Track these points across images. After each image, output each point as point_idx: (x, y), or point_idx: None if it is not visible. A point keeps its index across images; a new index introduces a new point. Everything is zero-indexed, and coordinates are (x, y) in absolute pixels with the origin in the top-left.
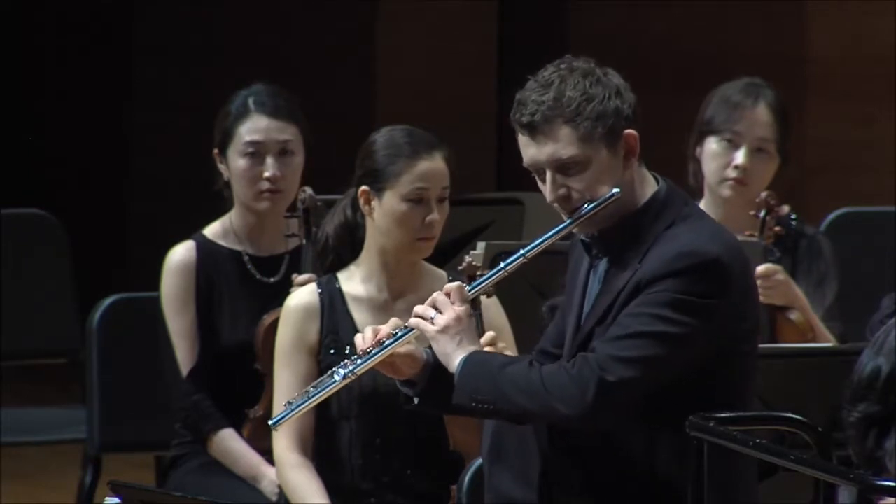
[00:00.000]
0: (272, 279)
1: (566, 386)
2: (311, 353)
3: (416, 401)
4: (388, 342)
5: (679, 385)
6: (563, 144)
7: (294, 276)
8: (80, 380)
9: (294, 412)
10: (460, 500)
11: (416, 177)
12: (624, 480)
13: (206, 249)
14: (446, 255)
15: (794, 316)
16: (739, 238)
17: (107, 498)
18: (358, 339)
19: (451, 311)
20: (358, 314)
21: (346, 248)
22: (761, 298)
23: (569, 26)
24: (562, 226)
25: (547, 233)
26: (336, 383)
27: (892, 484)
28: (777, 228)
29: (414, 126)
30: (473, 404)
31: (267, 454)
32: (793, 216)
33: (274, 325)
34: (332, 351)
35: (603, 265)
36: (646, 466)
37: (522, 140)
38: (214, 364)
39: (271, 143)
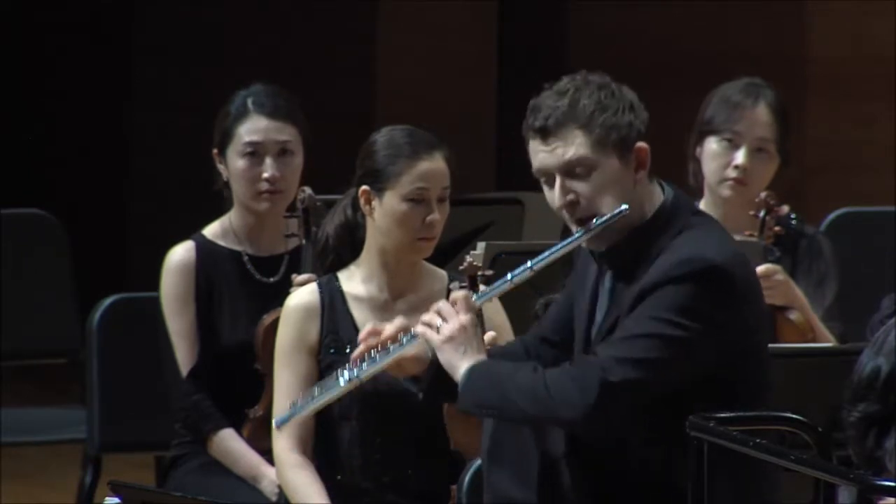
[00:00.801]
0: (272, 279)
1: (569, 390)
2: (311, 353)
3: (420, 396)
4: (392, 348)
5: (688, 397)
6: (574, 147)
7: (294, 276)
8: (80, 380)
9: (299, 413)
10: (460, 500)
11: (416, 177)
12: (628, 487)
13: (206, 249)
14: (446, 255)
15: (794, 316)
16: (739, 238)
17: (107, 498)
18: (362, 336)
19: (456, 320)
20: (358, 314)
21: (346, 248)
22: None
23: (569, 26)
24: (570, 239)
25: (555, 245)
26: (341, 387)
27: (892, 484)
28: (777, 228)
29: (414, 126)
30: (479, 411)
31: (267, 454)
32: (793, 216)
33: (274, 325)
34: (332, 351)
35: (610, 277)
36: (652, 475)
37: (534, 146)
38: (214, 364)
39: (270, 144)
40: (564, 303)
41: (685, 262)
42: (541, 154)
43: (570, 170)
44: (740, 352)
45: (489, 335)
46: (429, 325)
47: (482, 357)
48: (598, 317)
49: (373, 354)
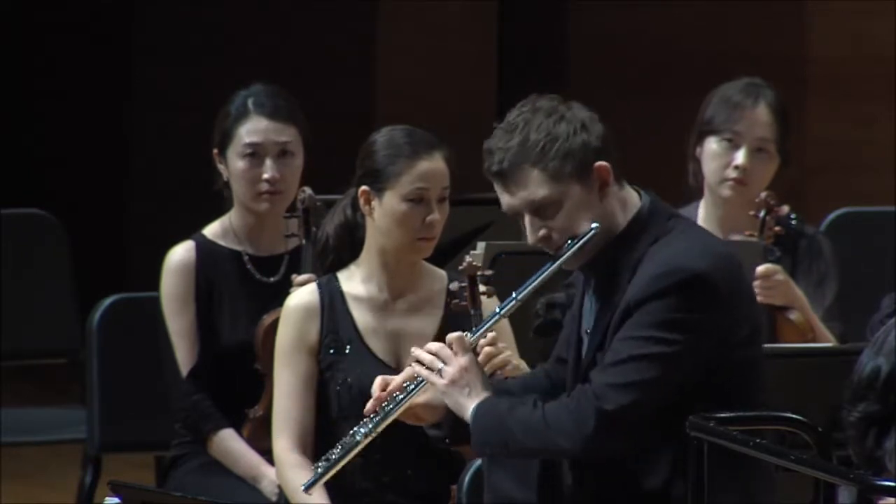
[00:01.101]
0: (272, 279)
1: (566, 422)
2: (311, 353)
3: (447, 441)
4: (401, 396)
5: (683, 397)
6: (534, 188)
7: (294, 276)
8: (80, 380)
9: (322, 476)
10: (460, 500)
11: (416, 177)
12: (628, 488)
13: (206, 249)
14: (446, 255)
15: (794, 316)
16: (739, 238)
17: (107, 498)
18: (374, 389)
19: (456, 363)
20: (358, 314)
21: (346, 248)
22: (761, 299)
23: (569, 26)
24: (547, 266)
25: (536, 274)
26: (358, 443)
27: (892, 484)
28: (777, 228)
29: (414, 126)
30: (488, 450)
31: (267, 454)
32: (793, 216)
33: (274, 325)
34: (331, 351)
35: (594, 288)
36: (652, 476)
37: (497, 188)
38: (214, 364)
39: (270, 145)
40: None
41: (666, 274)
42: (504, 197)
43: (536, 209)
44: (733, 351)
45: (489, 335)
46: (430, 369)
47: (486, 395)
48: (584, 328)
49: (385, 406)
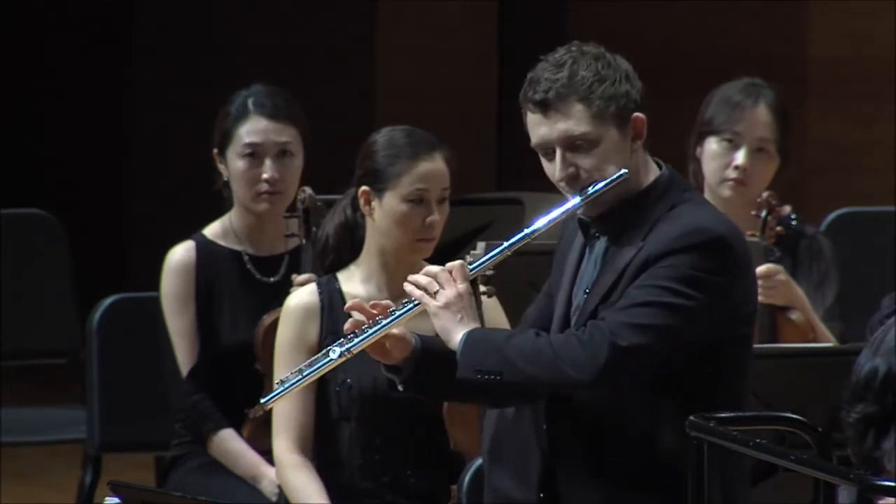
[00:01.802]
0: (272, 279)
1: (577, 351)
2: (310, 353)
3: (400, 387)
4: (384, 321)
5: (682, 366)
6: (575, 121)
7: (294, 276)
8: (80, 380)
9: (287, 390)
10: (460, 500)
11: (416, 178)
12: (628, 465)
13: (206, 249)
14: (446, 255)
15: (794, 316)
16: None
17: (107, 498)
18: (348, 308)
19: (454, 287)
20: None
21: (346, 248)
22: (762, 298)
23: (569, 26)
24: (569, 205)
25: (553, 212)
26: (331, 361)
27: (891, 484)
28: (778, 228)
29: (414, 126)
30: (479, 376)
31: (267, 454)
32: (793, 216)
33: (274, 325)
34: None
35: (601, 244)
36: (650, 450)
37: (533, 119)
38: (214, 364)
39: (270, 145)
40: (544, 300)
41: (691, 232)
42: (541, 128)
43: (571, 143)
44: (733, 319)
45: None
46: (425, 290)
47: (478, 325)
48: (581, 283)
49: (365, 327)
